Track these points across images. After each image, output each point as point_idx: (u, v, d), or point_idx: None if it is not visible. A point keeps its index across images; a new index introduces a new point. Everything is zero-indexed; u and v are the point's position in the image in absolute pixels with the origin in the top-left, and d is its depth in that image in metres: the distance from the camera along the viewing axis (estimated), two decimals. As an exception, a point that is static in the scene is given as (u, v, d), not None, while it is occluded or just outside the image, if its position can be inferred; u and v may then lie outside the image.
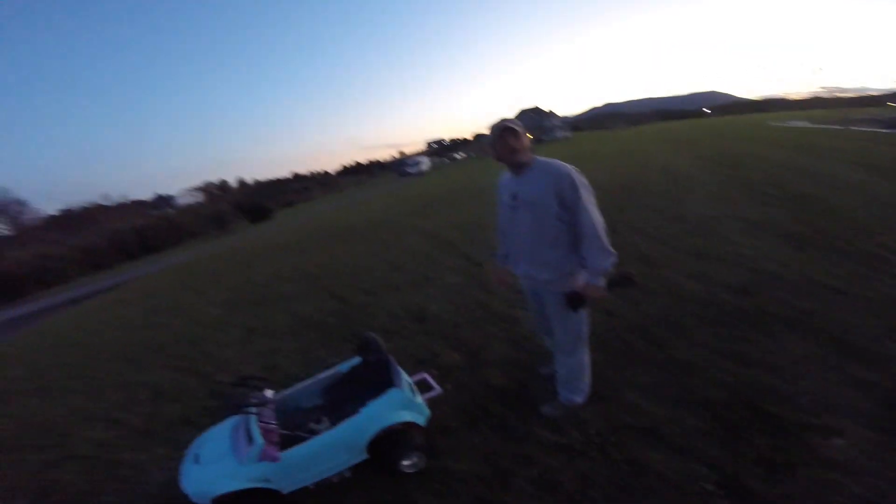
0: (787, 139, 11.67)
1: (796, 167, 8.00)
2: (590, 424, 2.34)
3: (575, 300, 2.11)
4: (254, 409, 2.29)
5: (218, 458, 2.23)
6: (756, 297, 3.31)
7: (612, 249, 2.02)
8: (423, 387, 2.75)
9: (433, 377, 2.89)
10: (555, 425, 2.40)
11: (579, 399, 2.46)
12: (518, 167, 2.14)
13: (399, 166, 56.54)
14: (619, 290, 2.20)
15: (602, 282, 2.05)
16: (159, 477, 2.79)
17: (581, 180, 2.03)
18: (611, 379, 2.69)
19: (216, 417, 2.77)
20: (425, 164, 51.02)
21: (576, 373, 2.40)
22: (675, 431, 2.17)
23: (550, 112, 65.02)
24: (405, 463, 2.31)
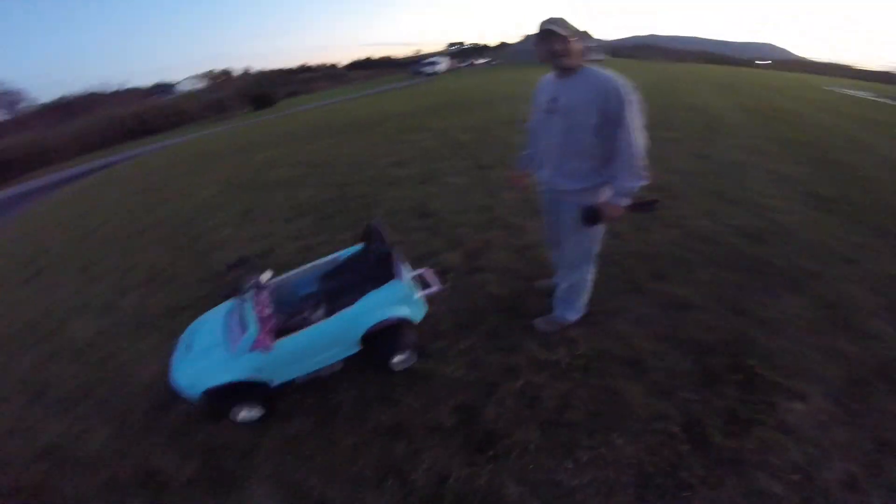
0: (841, 106, 10.81)
1: (842, 134, 7.52)
2: (578, 345, 2.39)
3: (592, 216, 2.03)
4: (249, 294, 2.19)
5: (210, 347, 2.15)
6: (766, 248, 3.25)
7: (644, 174, 1.93)
8: (422, 283, 2.66)
9: (434, 274, 2.84)
10: (544, 341, 2.45)
11: (573, 317, 2.50)
12: (563, 70, 1.98)
13: (413, 65, 52.75)
14: (638, 214, 2.09)
15: (625, 202, 1.97)
16: (150, 370, 2.75)
17: (631, 97, 1.86)
18: (606, 303, 2.70)
19: (210, 302, 2.72)
20: (442, 65, 47.34)
21: (576, 290, 2.41)
22: (657, 367, 2.21)
23: (585, 32, 60.49)
24: (395, 360, 2.31)
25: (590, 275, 2.37)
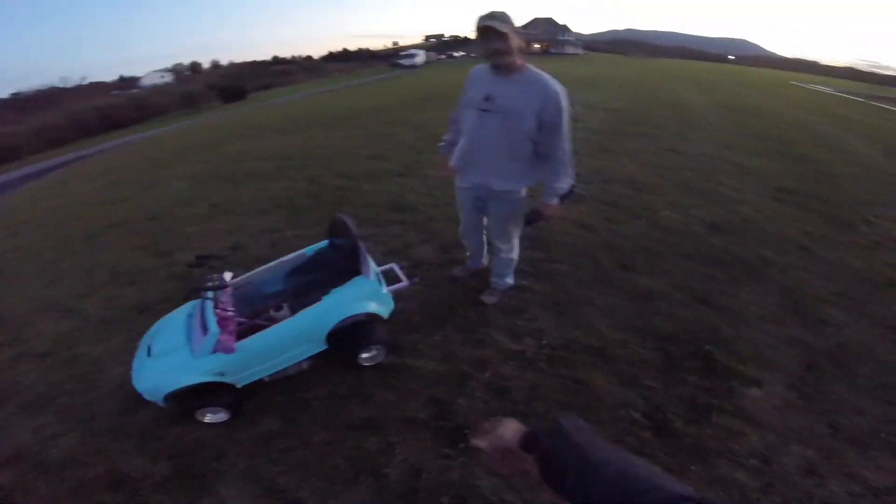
0: (807, 101, 11.33)
1: (806, 128, 7.93)
2: (544, 335, 2.44)
3: (536, 218, 2.19)
4: (210, 294, 2.10)
5: (171, 350, 2.08)
6: (727, 238, 3.39)
7: (573, 173, 2.10)
8: (390, 278, 2.65)
9: (402, 269, 2.82)
10: (512, 332, 2.49)
11: (511, 281, 2.76)
12: (503, 69, 1.95)
13: (392, 58, 52.44)
14: (566, 204, 2.26)
15: (558, 201, 2.13)
16: (116, 372, 2.67)
17: (565, 103, 1.92)
18: (573, 293, 2.77)
19: (174, 302, 2.65)
20: (421, 57, 47.18)
21: (511, 263, 2.65)
22: (621, 356, 2.28)
23: (565, 26, 61.19)
24: (365, 356, 2.28)
25: (518, 244, 2.57)
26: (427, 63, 47.95)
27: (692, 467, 1.72)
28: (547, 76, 1.91)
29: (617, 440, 1.83)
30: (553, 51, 51.27)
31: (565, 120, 1.92)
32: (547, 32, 56.40)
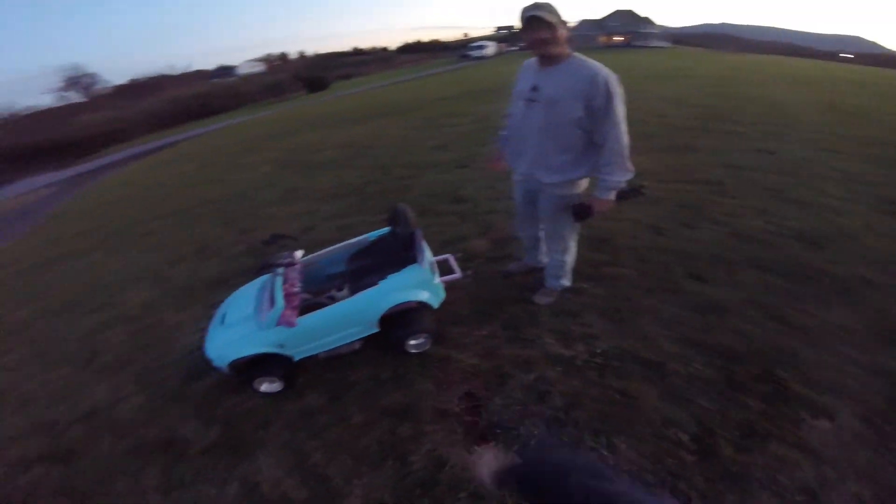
0: None
1: None
2: (598, 343, 2.32)
3: (583, 212, 2.09)
4: (280, 270, 2.30)
5: (239, 321, 2.28)
6: (821, 252, 2.98)
7: (631, 167, 1.95)
8: (444, 269, 2.70)
9: (457, 261, 2.84)
10: (563, 335, 2.40)
11: (566, 283, 2.64)
12: (547, 59, 1.93)
13: (461, 49, 52.31)
14: (627, 202, 2.12)
15: (613, 196, 2.00)
16: (193, 336, 2.92)
17: (617, 90, 1.83)
18: (636, 301, 2.60)
19: (249, 276, 2.87)
20: (490, 49, 46.62)
21: (564, 265, 2.53)
22: (678, 373, 2.10)
23: (646, 18, 57.20)
24: (411, 343, 2.35)
25: (573, 250, 2.47)
26: (497, 54, 47.31)
27: (728, 496, 1.57)
28: (593, 62, 1.86)
29: (654, 460, 1.72)
30: (637, 44, 48.07)
31: (618, 107, 1.83)
32: (626, 25, 53.09)
